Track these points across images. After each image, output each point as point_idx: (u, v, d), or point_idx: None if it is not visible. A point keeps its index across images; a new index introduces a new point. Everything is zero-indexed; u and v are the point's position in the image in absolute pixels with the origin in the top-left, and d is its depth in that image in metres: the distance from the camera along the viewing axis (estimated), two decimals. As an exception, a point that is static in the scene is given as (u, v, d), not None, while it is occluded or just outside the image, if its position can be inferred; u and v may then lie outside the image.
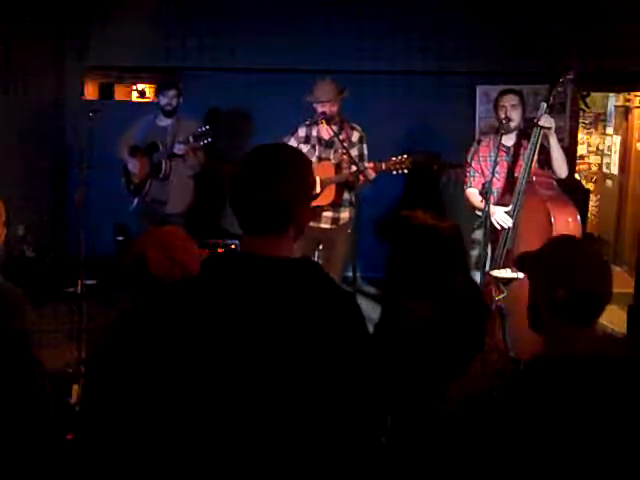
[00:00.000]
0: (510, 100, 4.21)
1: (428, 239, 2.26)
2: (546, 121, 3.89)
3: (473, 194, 4.43)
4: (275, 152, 1.55)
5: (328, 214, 4.56)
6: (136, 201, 5.16)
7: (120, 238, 5.49)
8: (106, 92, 6.79)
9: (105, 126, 4.82)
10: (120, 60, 6.14)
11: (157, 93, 5.30)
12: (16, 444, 1.89)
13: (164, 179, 5.07)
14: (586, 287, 1.61)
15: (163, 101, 5.10)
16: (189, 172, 5.10)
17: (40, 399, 1.98)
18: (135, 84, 7.65)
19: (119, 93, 7.16)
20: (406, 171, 4.24)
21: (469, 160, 4.47)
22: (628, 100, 7.72)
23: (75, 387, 3.69)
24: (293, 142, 4.59)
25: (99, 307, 4.53)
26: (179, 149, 4.95)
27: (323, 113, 4.36)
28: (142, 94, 8.03)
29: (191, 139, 4.92)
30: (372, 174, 4.28)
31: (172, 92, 5.09)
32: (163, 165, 5.04)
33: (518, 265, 1.79)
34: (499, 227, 4.05)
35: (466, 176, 4.49)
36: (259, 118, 5.68)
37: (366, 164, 4.36)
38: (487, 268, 3.91)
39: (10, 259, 5.50)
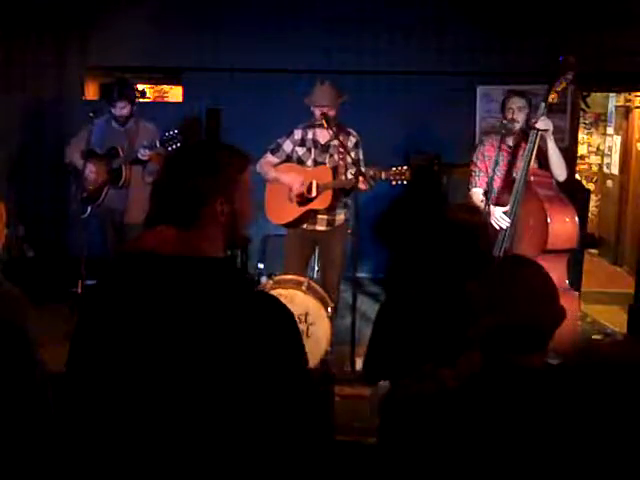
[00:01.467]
0: (517, 102, 4.19)
1: (446, 230, 2.28)
2: (543, 124, 3.89)
3: (476, 194, 4.42)
4: (198, 146, 1.57)
5: (323, 216, 4.55)
6: (89, 210, 4.84)
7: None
8: (106, 92, 6.78)
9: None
10: (120, 60, 6.15)
11: (107, 101, 4.90)
12: (15, 443, 1.88)
13: (123, 186, 4.77)
14: (515, 320, 1.56)
15: (116, 112, 4.81)
16: (148, 179, 4.66)
17: (40, 398, 1.98)
18: (135, 84, 7.65)
19: (119, 93, 7.15)
20: (405, 182, 4.23)
21: (474, 159, 4.47)
22: (628, 100, 7.71)
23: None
24: (288, 144, 4.57)
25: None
26: (143, 154, 4.63)
27: (323, 114, 4.36)
28: (142, 94, 8.03)
29: (157, 144, 4.59)
30: (371, 182, 4.27)
31: (122, 104, 4.76)
32: (124, 172, 4.73)
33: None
34: (497, 227, 4.06)
35: (471, 175, 4.48)
36: (259, 118, 5.68)
37: (363, 169, 4.35)
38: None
39: (10, 259, 5.50)
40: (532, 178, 3.97)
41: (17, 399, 1.90)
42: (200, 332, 1.38)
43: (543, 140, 3.96)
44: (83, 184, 4.80)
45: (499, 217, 4.05)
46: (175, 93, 7.97)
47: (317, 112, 4.39)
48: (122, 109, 4.78)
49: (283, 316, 1.47)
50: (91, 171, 4.80)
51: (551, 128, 3.93)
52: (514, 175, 4.14)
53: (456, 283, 2.23)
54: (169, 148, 4.59)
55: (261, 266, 5.11)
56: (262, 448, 1.39)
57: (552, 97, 3.91)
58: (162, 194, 1.51)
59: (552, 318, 1.61)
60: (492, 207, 4.08)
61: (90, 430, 1.45)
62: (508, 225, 3.98)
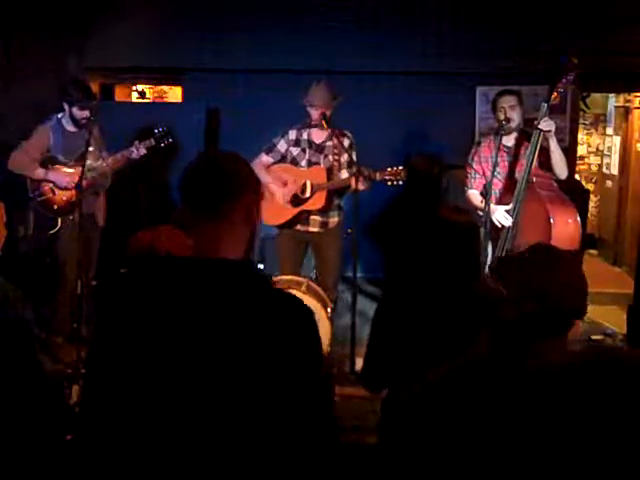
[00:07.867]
0: (508, 101, 4.21)
1: (437, 230, 2.28)
2: (546, 124, 3.89)
3: (474, 195, 4.43)
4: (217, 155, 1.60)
5: (316, 218, 4.55)
6: (60, 222, 4.65)
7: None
8: (106, 92, 6.78)
9: (105, 126, 4.84)
10: (120, 60, 6.14)
11: (69, 101, 4.61)
12: (17, 440, 1.88)
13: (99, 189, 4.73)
14: (556, 305, 1.61)
15: (80, 115, 4.57)
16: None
17: (43, 392, 1.98)
18: (135, 84, 7.65)
19: (119, 93, 7.16)
20: (401, 183, 4.23)
21: (470, 161, 4.48)
22: (628, 101, 7.72)
23: (75, 387, 3.69)
24: (283, 144, 4.58)
25: (99, 307, 4.52)
26: (139, 153, 4.61)
27: (322, 114, 4.36)
28: (142, 94, 8.04)
29: (152, 141, 4.66)
30: (366, 184, 4.27)
31: (86, 112, 4.54)
32: (109, 176, 4.71)
33: (495, 269, 1.76)
34: (499, 225, 4.06)
35: (467, 177, 4.49)
36: (259, 118, 5.68)
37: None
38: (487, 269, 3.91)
39: (10, 259, 5.50)
40: (534, 179, 3.97)
41: (25, 396, 1.90)
42: (223, 333, 1.39)
43: (546, 140, 3.96)
44: (54, 197, 4.64)
45: (502, 215, 4.05)
46: (175, 93, 7.97)
47: (315, 112, 4.39)
48: (87, 115, 4.55)
49: (304, 319, 1.52)
50: (72, 180, 4.50)
51: (554, 128, 3.93)
52: (516, 175, 4.15)
53: (446, 285, 2.23)
54: (162, 144, 4.70)
55: (261, 267, 5.11)
56: (271, 446, 1.39)
57: (553, 98, 3.92)
58: (195, 183, 1.48)
59: (584, 304, 1.68)
60: (493, 206, 4.08)
61: (106, 428, 1.45)
62: (510, 224, 3.98)
